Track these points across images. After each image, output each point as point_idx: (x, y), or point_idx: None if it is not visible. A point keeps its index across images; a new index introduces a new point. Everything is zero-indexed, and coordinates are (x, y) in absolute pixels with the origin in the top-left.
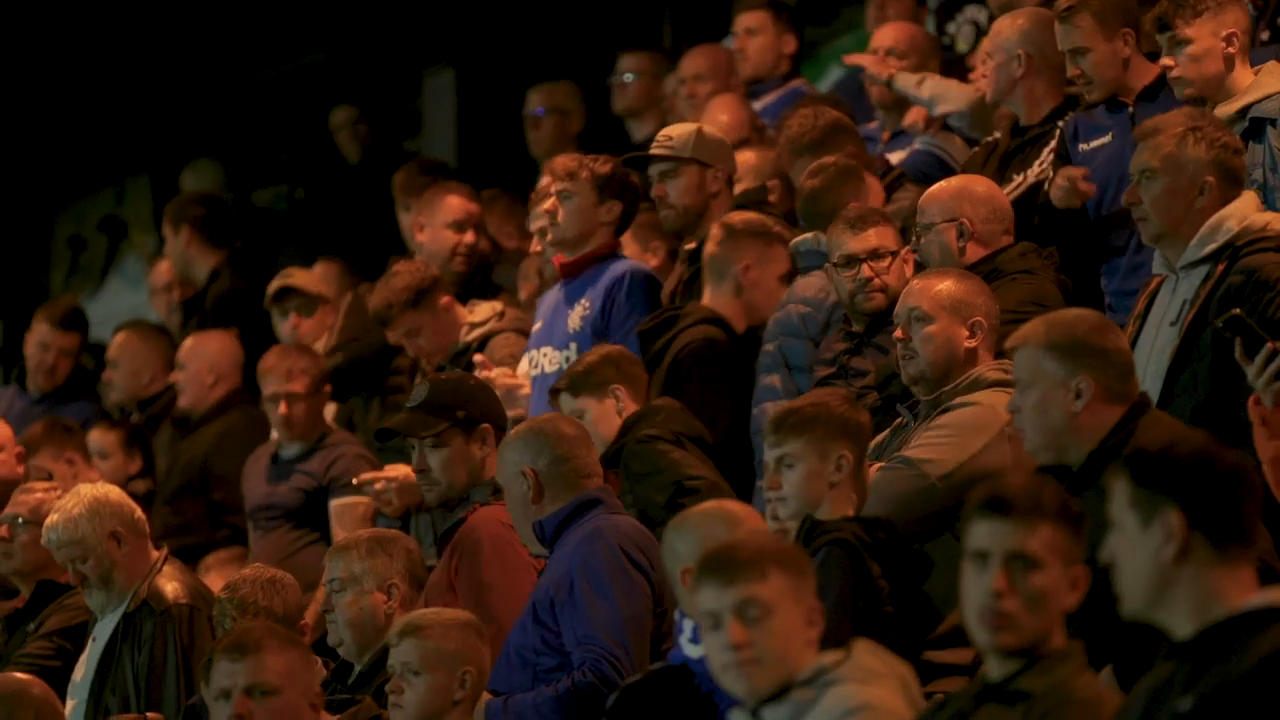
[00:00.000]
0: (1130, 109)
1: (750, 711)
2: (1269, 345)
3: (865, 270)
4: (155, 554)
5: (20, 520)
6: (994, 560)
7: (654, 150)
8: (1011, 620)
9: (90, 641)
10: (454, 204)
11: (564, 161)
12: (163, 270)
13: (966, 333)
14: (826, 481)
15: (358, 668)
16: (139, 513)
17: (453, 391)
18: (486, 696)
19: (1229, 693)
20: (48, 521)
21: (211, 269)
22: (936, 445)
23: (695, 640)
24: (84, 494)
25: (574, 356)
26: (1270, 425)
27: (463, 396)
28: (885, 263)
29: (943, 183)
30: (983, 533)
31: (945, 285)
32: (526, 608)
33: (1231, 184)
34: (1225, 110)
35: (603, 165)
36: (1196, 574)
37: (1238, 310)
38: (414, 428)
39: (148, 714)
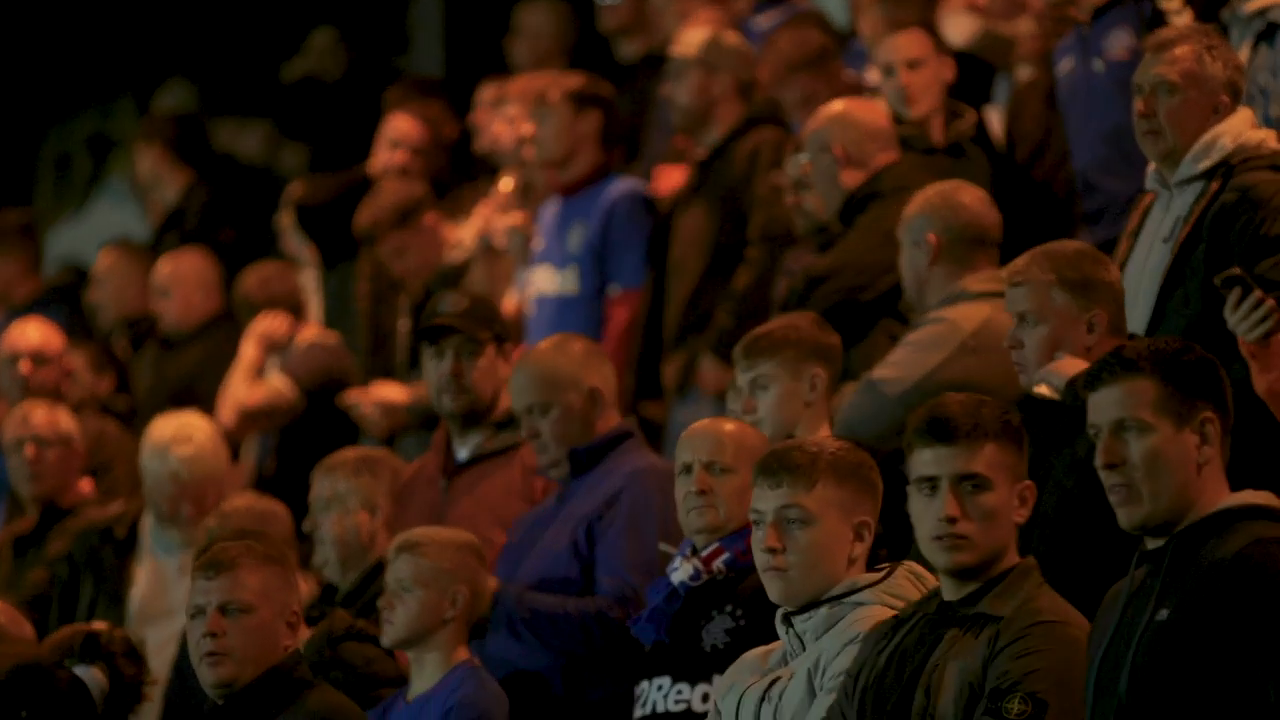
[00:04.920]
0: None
1: (783, 617)
2: (1257, 294)
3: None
4: None
5: (41, 439)
6: (942, 485)
7: (669, 53)
8: (969, 541)
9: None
10: (396, 124)
11: (527, 85)
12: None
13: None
14: (802, 401)
15: (343, 588)
16: None
17: (491, 306)
18: (493, 584)
19: (1205, 597)
20: (182, 453)
21: (181, 187)
22: (895, 363)
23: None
24: (203, 427)
25: (575, 278)
26: (1260, 359)
27: (498, 313)
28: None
29: (820, 110)
30: (927, 459)
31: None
32: (560, 538)
33: (1238, 103)
34: (1252, 6)
35: (572, 80)
36: (1216, 475)
37: (1238, 269)
38: (469, 326)
39: (94, 624)
